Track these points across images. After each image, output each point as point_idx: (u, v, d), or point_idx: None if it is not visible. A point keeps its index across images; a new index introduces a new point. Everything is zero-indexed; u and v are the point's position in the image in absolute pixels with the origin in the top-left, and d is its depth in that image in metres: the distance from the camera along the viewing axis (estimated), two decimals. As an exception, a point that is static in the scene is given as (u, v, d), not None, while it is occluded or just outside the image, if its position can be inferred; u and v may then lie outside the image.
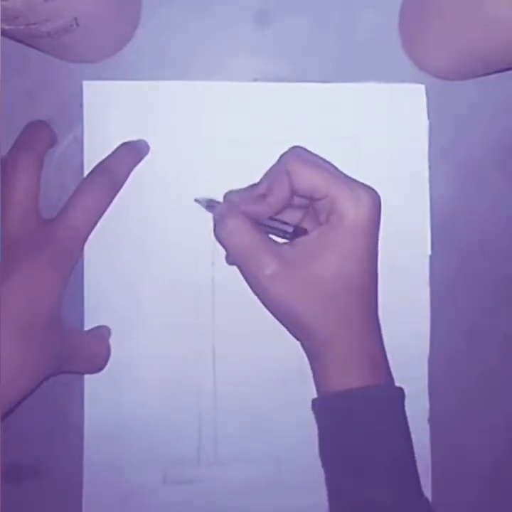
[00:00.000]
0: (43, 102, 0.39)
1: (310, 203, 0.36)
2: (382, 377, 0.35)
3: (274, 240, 0.36)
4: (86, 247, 0.38)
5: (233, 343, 0.39)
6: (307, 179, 0.35)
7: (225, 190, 0.39)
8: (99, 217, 0.37)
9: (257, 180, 0.39)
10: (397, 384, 0.36)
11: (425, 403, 0.40)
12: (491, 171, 0.40)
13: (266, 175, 0.37)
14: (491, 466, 0.40)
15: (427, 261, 0.40)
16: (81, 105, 0.39)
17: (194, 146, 0.39)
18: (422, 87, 0.40)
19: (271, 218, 0.36)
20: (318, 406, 0.36)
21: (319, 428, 0.36)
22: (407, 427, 0.35)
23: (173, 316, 0.39)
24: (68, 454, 0.39)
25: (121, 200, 0.38)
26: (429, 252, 0.40)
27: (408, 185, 0.40)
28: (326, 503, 0.36)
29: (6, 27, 0.30)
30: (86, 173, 0.38)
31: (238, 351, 0.39)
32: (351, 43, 0.39)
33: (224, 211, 0.36)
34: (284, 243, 0.36)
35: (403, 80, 0.40)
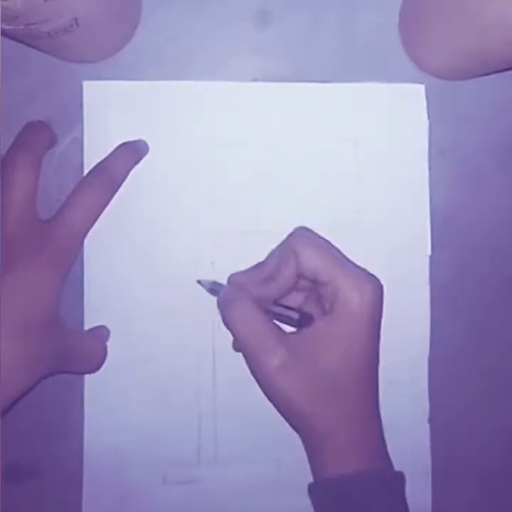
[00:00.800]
0: (43, 102, 0.39)
1: (313, 287, 0.36)
2: (380, 464, 0.35)
3: (281, 329, 0.35)
4: (86, 247, 0.38)
5: (233, 343, 0.39)
6: (314, 262, 0.34)
7: (225, 191, 0.39)
8: (98, 216, 0.37)
9: (256, 180, 0.39)
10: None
11: (425, 403, 0.40)
12: (490, 171, 0.40)
13: (271, 256, 0.37)
14: (490, 466, 0.40)
15: (427, 261, 0.40)
16: (81, 105, 0.39)
17: (194, 146, 0.39)
18: (421, 87, 0.40)
19: (276, 303, 0.36)
20: (315, 491, 0.36)
21: None
22: (407, 510, 0.35)
23: (173, 316, 0.39)
24: (68, 454, 0.39)
25: (121, 200, 0.38)
26: (429, 252, 0.40)
27: (408, 185, 0.40)
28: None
29: (6, 27, 0.30)
30: (86, 173, 0.38)
31: (238, 351, 0.39)
32: (351, 43, 0.39)
33: (230, 295, 0.36)
34: (292, 333, 0.36)
35: (403, 80, 0.39)
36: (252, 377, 0.39)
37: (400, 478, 0.35)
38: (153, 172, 0.39)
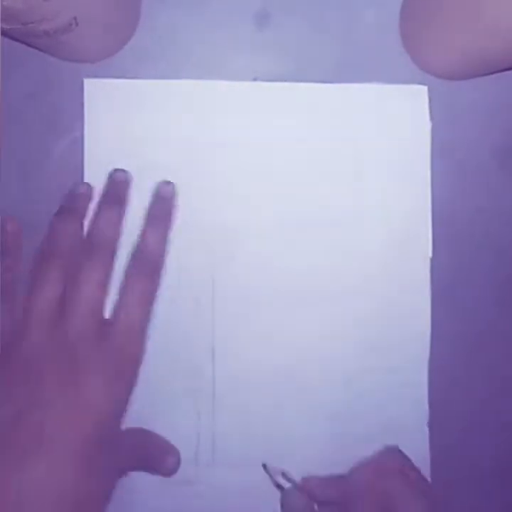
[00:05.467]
0: (43, 102, 0.39)
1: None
2: None
3: None
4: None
5: (233, 343, 0.39)
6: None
7: (224, 191, 0.39)
8: (152, 307, 0.37)
9: (255, 180, 0.39)
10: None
11: (425, 406, 0.39)
12: (491, 172, 0.40)
13: (355, 472, 0.36)
14: (491, 468, 0.40)
15: (427, 263, 0.40)
16: (81, 105, 0.39)
17: (194, 146, 0.39)
18: (424, 88, 0.39)
19: None
20: None
21: None
22: None
23: (172, 316, 0.39)
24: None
25: (121, 199, 0.38)
26: (430, 254, 0.40)
27: (409, 186, 0.40)
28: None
29: (6, 27, 0.30)
30: (86, 173, 0.38)
31: (238, 351, 0.39)
32: (352, 43, 0.39)
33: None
34: None
35: (405, 81, 0.39)
36: (251, 379, 0.39)
37: None
38: (152, 172, 0.39)
